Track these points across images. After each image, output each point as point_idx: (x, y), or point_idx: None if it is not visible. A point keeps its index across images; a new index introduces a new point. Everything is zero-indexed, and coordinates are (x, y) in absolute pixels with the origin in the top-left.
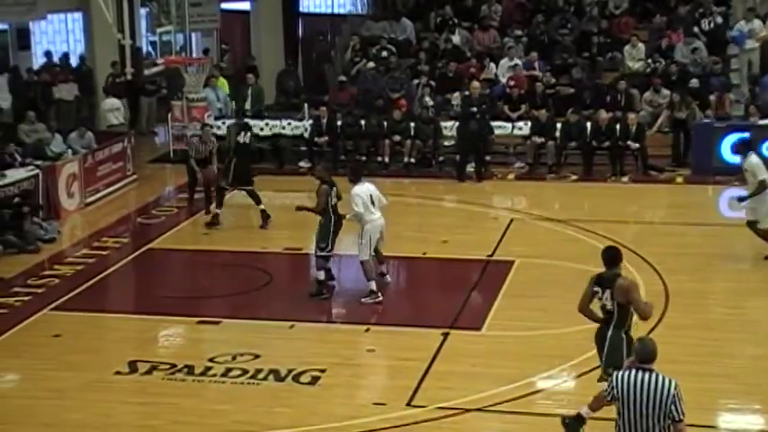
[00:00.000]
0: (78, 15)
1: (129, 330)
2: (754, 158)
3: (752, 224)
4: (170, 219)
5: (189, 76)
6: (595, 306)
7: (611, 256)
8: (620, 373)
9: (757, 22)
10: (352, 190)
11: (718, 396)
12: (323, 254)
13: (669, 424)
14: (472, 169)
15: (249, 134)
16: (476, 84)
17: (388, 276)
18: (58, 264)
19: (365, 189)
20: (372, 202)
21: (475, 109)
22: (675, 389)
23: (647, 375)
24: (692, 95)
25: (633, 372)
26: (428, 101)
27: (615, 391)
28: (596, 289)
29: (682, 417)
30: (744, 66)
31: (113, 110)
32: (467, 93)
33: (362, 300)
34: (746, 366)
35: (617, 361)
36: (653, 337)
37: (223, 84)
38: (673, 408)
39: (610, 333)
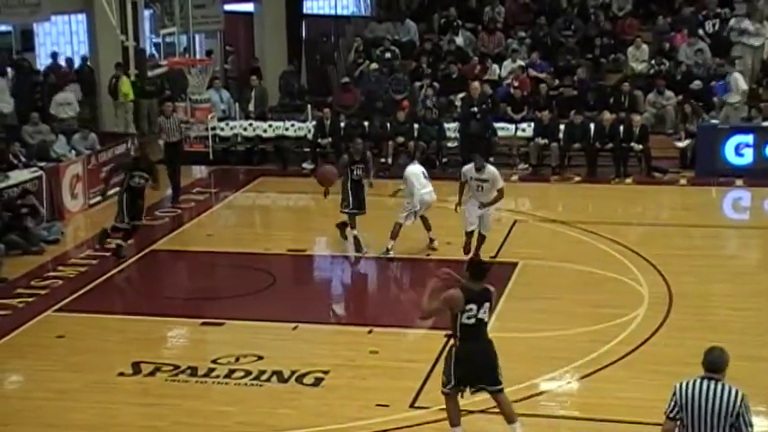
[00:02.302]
0: (82, 17)
1: (133, 332)
2: None
3: None
4: (173, 220)
5: (192, 77)
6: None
7: (484, 270)
8: (685, 382)
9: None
10: (406, 170)
11: None
12: (346, 211)
13: None
14: None
15: (141, 180)
16: (476, 84)
17: (435, 242)
18: (61, 265)
19: (417, 168)
20: (425, 178)
21: (475, 109)
22: (743, 399)
23: (712, 384)
24: (695, 98)
25: (699, 381)
26: (432, 102)
27: (680, 399)
28: (470, 306)
29: (749, 429)
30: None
31: (65, 104)
32: (464, 94)
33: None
34: (751, 368)
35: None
36: (722, 347)
37: None
38: (740, 419)
39: (486, 345)
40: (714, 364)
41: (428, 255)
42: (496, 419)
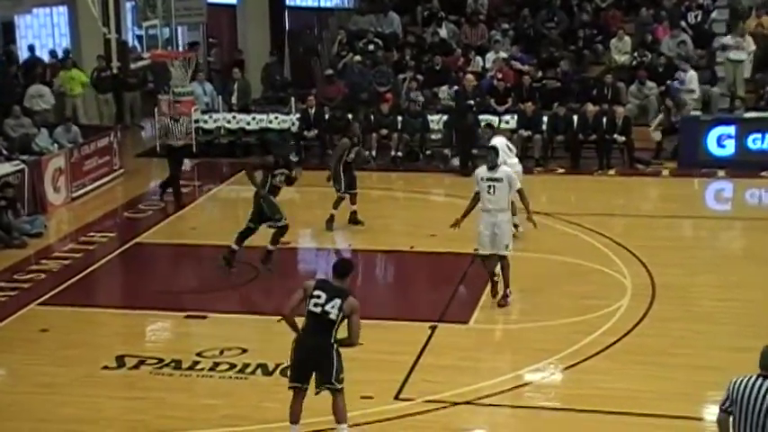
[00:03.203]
0: (64, 9)
1: (117, 325)
2: None
3: None
4: (157, 213)
5: (175, 70)
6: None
7: (347, 270)
8: (739, 379)
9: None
10: (492, 140)
11: (705, 388)
12: (339, 194)
13: None
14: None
15: (283, 177)
16: (470, 77)
17: (520, 228)
18: (44, 258)
19: (501, 139)
20: (510, 149)
21: (472, 102)
22: None
23: (766, 382)
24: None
25: (753, 378)
26: (416, 95)
27: (732, 394)
28: (318, 293)
29: None
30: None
31: (37, 96)
32: (456, 87)
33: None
34: (734, 359)
35: (342, 369)
36: None
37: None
38: None
39: (332, 342)
40: (766, 361)
41: (412, 247)
42: (482, 410)
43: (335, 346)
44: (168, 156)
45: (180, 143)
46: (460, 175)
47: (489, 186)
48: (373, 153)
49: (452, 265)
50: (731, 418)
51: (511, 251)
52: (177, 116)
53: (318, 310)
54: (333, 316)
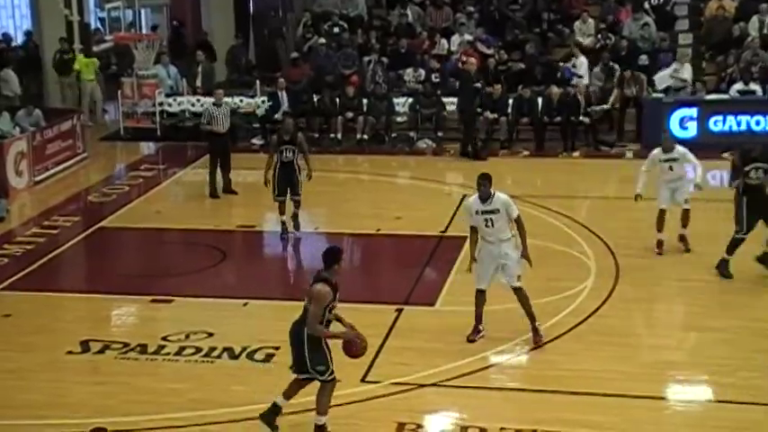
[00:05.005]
0: None
1: (81, 310)
2: None
3: None
4: (121, 197)
5: (139, 52)
6: None
7: (328, 259)
8: None
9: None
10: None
11: (668, 368)
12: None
13: None
14: (425, 145)
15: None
16: (472, 59)
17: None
18: (7, 243)
19: None
20: None
21: (479, 85)
22: None
23: None
24: (641, 71)
25: None
26: (380, 77)
27: None
28: (334, 304)
29: None
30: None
31: (3, 81)
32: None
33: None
34: (695, 339)
35: (321, 360)
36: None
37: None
38: None
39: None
40: None
41: (378, 230)
42: (448, 392)
43: (309, 336)
44: (214, 144)
45: (224, 130)
46: (464, 158)
47: (486, 220)
48: (339, 136)
49: (418, 247)
50: None
51: (521, 283)
52: (220, 102)
53: (305, 300)
54: (306, 304)
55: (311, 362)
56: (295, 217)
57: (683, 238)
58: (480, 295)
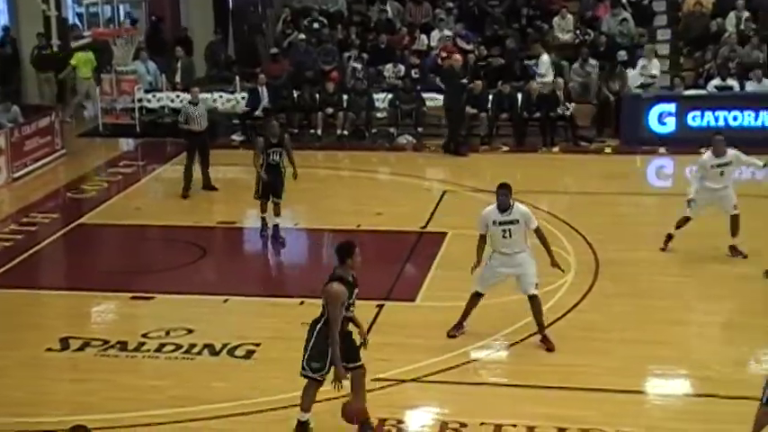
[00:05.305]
0: None
1: (61, 307)
2: None
3: None
4: (101, 193)
5: (117, 48)
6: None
7: (340, 254)
8: None
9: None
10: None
11: (647, 362)
12: (255, 197)
13: None
14: (405, 141)
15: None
16: (457, 56)
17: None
18: None
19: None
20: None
21: (465, 81)
22: None
23: None
24: (617, 67)
25: None
26: (360, 73)
27: None
28: (352, 300)
29: None
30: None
31: None
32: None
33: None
34: (675, 333)
35: (319, 358)
36: None
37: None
38: None
39: (318, 326)
40: None
41: (358, 226)
42: (429, 387)
43: (321, 332)
44: (192, 142)
45: (202, 128)
46: (449, 154)
47: (504, 230)
48: (319, 132)
49: (399, 243)
50: None
51: (538, 291)
52: (197, 100)
53: (352, 313)
54: (323, 303)
55: (310, 358)
56: (276, 227)
57: (734, 249)
58: (476, 297)
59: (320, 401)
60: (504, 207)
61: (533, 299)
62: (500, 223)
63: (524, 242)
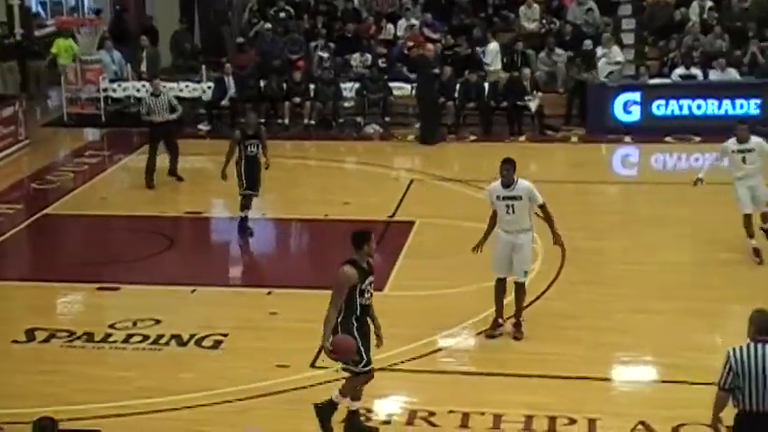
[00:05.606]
0: None
1: (26, 298)
2: None
3: None
4: (66, 184)
5: (82, 37)
6: None
7: (355, 241)
8: (737, 348)
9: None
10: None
11: (613, 349)
12: (240, 192)
13: None
14: (373, 130)
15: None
16: (430, 46)
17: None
18: None
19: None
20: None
21: (438, 70)
22: None
23: (765, 348)
24: (585, 57)
25: (752, 345)
26: (327, 62)
27: (735, 366)
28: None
29: None
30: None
31: None
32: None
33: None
34: (641, 320)
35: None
36: None
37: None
38: None
39: (337, 318)
40: (765, 326)
41: (326, 215)
42: (397, 376)
43: (343, 326)
44: (155, 133)
45: (163, 119)
46: (422, 144)
47: (507, 206)
48: (286, 121)
49: None
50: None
51: (526, 279)
52: (158, 92)
53: (368, 301)
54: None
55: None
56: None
57: (756, 251)
58: (499, 284)
59: (288, 390)
60: (507, 182)
61: (519, 286)
62: (503, 198)
63: (528, 220)
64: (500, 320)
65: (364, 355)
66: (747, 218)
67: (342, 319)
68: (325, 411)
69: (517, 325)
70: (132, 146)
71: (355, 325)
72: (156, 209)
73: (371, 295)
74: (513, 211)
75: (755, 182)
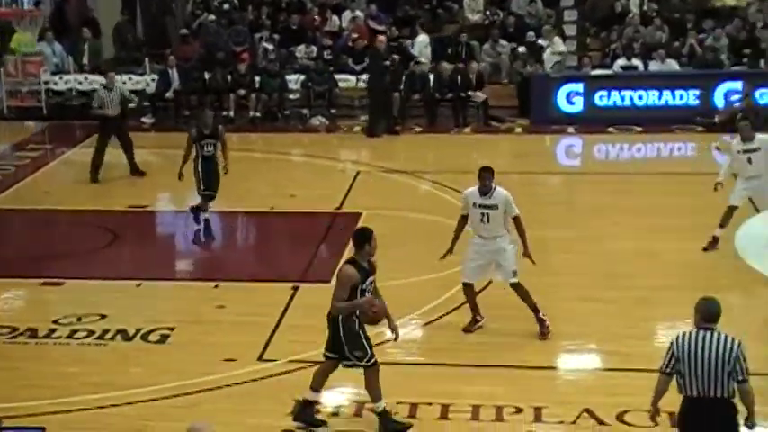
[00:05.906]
0: None
1: None
2: None
3: None
4: (7, 178)
5: (21, 29)
6: None
7: (356, 240)
8: (681, 334)
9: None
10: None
11: (558, 338)
12: (199, 193)
13: (732, 384)
14: (318, 122)
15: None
16: (381, 38)
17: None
18: None
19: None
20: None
21: (388, 63)
22: (739, 346)
23: (708, 334)
24: (528, 48)
25: (696, 332)
26: (272, 54)
27: (677, 351)
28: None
29: (746, 376)
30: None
31: None
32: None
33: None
34: (585, 309)
35: (358, 345)
36: (714, 297)
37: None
38: (737, 367)
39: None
40: (709, 314)
41: (272, 208)
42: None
43: (344, 325)
44: (106, 129)
45: (116, 113)
46: (368, 136)
47: (483, 214)
48: (231, 114)
49: (313, 224)
50: (672, 378)
51: (518, 278)
52: (112, 86)
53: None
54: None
55: (348, 348)
56: (207, 222)
57: (715, 240)
58: (467, 288)
59: (236, 384)
60: (485, 191)
61: (516, 286)
62: (480, 206)
63: (503, 227)
64: (478, 317)
65: (368, 350)
66: (731, 209)
67: (344, 316)
68: (305, 414)
69: (541, 321)
70: (75, 139)
71: (357, 321)
72: (100, 203)
73: (371, 294)
74: (488, 221)
75: (763, 182)
